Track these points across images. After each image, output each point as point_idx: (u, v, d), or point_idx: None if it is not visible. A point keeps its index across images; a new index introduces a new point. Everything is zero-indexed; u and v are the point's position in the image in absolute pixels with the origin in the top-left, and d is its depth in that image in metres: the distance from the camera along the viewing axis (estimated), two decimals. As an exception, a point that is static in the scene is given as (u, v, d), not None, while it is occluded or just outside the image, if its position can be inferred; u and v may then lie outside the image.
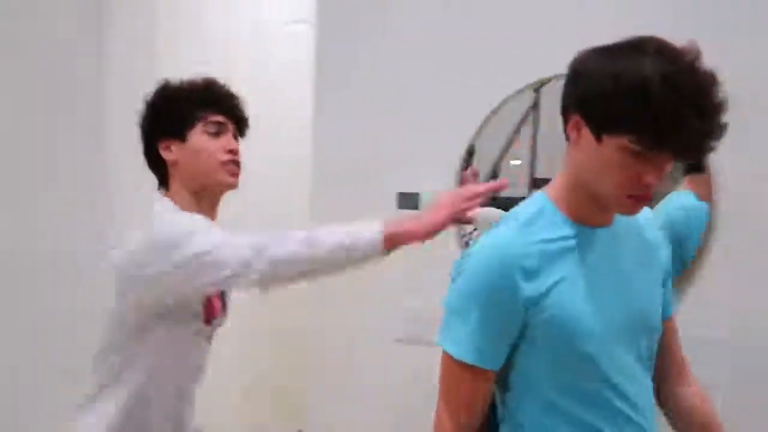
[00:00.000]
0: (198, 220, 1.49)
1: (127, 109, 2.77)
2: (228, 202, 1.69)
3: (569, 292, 1.22)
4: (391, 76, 2.29)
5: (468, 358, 1.26)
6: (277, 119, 3.42)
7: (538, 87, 2.34)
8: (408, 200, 2.44)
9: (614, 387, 1.25)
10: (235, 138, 1.62)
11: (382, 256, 1.38)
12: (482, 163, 2.44)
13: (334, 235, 1.37)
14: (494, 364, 1.28)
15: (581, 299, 1.22)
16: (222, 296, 1.69)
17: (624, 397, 1.26)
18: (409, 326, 2.40)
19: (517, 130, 2.43)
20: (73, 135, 2.68)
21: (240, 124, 1.64)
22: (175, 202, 1.56)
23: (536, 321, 1.22)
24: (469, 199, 1.38)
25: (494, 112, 2.37)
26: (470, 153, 2.40)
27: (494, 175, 2.47)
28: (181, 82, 1.62)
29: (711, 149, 1.12)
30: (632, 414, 1.27)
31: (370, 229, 1.36)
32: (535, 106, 2.39)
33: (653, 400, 1.36)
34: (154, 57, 2.92)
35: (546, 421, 1.27)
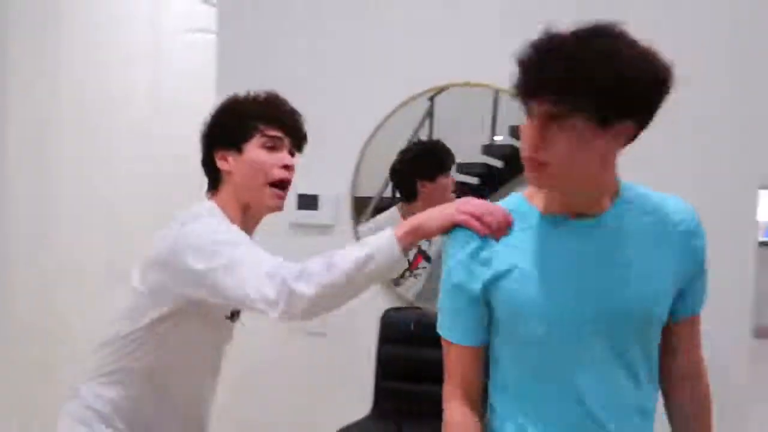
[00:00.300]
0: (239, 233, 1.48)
1: (25, 119, 2.74)
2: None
3: (523, 278, 1.22)
4: (290, 82, 2.30)
5: (450, 338, 1.32)
6: (177, 125, 3.39)
7: (432, 96, 2.42)
8: (307, 201, 2.50)
9: (572, 383, 1.23)
10: (291, 154, 1.59)
11: (402, 258, 1.32)
12: (382, 165, 2.49)
13: (350, 251, 1.32)
14: (471, 341, 1.30)
15: (534, 285, 1.21)
16: None
17: (583, 394, 1.22)
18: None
19: (414, 135, 2.49)
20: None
21: (297, 140, 1.60)
22: (220, 206, 1.54)
23: (495, 303, 1.26)
24: (482, 211, 1.27)
25: (388, 117, 2.44)
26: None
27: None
28: (246, 96, 1.60)
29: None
30: (588, 417, 1.23)
31: (384, 237, 1.31)
32: (431, 113, 2.46)
33: (629, 400, 1.25)
34: (56, 70, 2.87)
35: (509, 407, 1.30)
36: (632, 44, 1.08)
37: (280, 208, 1.59)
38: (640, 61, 1.06)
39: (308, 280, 1.29)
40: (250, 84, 2.10)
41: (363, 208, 2.51)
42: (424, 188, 2.43)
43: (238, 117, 1.56)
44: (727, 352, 2.11)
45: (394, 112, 2.44)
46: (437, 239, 2.35)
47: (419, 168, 2.44)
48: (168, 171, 3.49)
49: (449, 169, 2.40)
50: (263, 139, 1.54)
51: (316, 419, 2.30)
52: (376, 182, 2.52)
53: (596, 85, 1.03)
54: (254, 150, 1.53)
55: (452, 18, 2.37)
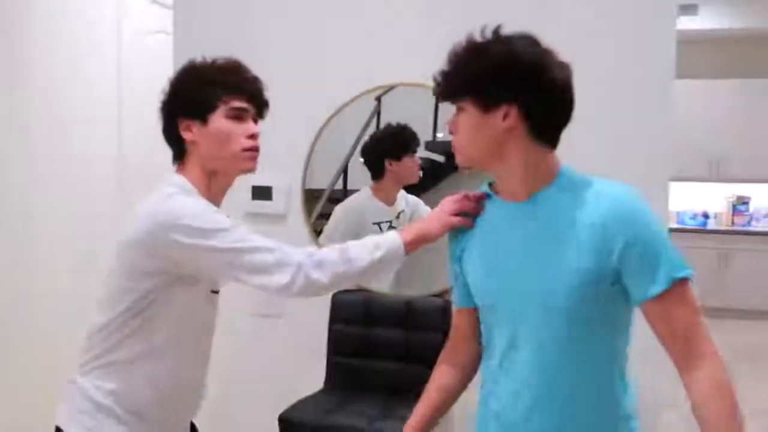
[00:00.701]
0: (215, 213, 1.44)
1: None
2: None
3: (475, 253, 1.36)
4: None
5: (452, 300, 1.49)
6: (138, 118, 3.43)
7: (379, 96, 2.48)
8: (261, 192, 2.54)
9: (510, 359, 1.30)
10: (255, 121, 1.52)
11: (403, 260, 1.46)
12: (332, 159, 2.55)
13: (366, 249, 1.42)
14: (464, 303, 1.43)
15: (474, 263, 1.36)
16: None
17: (516, 372, 1.29)
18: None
19: (362, 133, 2.55)
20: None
21: (260, 109, 1.53)
22: (189, 180, 1.47)
23: (464, 273, 1.40)
24: (459, 200, 1.41)
25: (337, 113, 2.48)
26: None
27: (345, 170, 2.60)
28: (206, 64, 1.51)
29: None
30: (512, 381, 1.30)
31: (393, 241, 1.42)
32: (378, 113, 2.52)
33: (560, 381, 1.27)
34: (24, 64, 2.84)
35: (484, 374, 1.39)
36: (506, 43, 1.22)
37: (254, 170, 1.53)
38: (506, 56, 1.21)
39: (325, 269, 1.39)
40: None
41: (315, 200, 2.56)
42: (391, 166, 2.53)
43: (201, 86, 1.47)
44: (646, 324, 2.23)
45: (341, 109, 2.48)
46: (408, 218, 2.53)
47: (386, 148, 2.53)
48: (133, 161, 3.50)
49: (414, 150, 2.49)
50: (229, 110, 1.45)
51: (274, 393, 2.35)
52: (328, 175, 2.57)
53: (468, 76, 1.23)
54: (219, 120, 1.45)
55: (402, 22, 2.43)
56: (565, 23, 2.27)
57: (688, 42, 3.83)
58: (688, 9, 5.75)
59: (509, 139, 1.23)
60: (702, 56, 6.73)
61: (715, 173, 7.17)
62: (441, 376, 1.46)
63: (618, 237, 1.18)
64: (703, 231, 7.18)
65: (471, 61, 1.23)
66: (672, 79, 2.23)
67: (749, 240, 7.03)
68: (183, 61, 1.53)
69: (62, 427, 1.46)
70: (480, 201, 1.38)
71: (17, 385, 2.84)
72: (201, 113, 1.45)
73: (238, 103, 1.47)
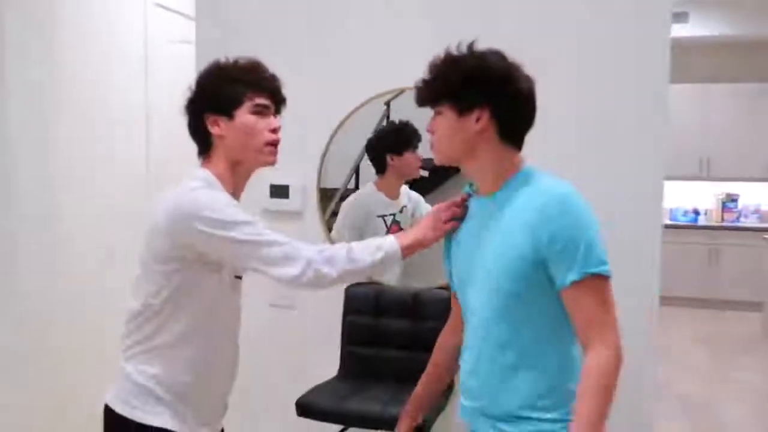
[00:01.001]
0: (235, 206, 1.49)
1: (27, 117, 2.76)
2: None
3: (456, 243, 1.50)
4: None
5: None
6: (162, 121, 3.54)
7: (388, 101, 2.50)
8: (279, 190, 2.58)
9: (471, 332, 1.45)
10: (274, 116, 1.57)
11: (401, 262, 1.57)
12: (345, 160, 2.58)
13: (368, 250, 1.50)
14: (454, 288, 1.56)
15: (457, 249, 1.50)
16: None
17: (474, 340, 1.44)
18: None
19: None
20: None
21: (279, 105, 1.58)
22: (213, 173, 1.52)
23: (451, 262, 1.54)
24: (449, 207, 1.53)
25: (348, 116, 2.51)
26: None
27: (356, 170, 2.62)
28: (229, 63, 1.55)
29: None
30: (467, 352, 1.46)
31: (392, 245, 1.50)
32: (387, 116, 2.55)
33: (480, 351, 1.41)
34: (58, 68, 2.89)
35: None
36: (479, 57, 1.36)
37: (275, 163, 1.58)
38: (479, 67, 1.34)
39: (334, 265, 1.46)
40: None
41: (329, 199, 2.59)
42: (393, 161, 2.55)
43: (227, 84, 1.51)
44: (642, 315, 2.26)
45: (352, 113, 2.50)
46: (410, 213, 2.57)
47: (388, 143, 2.55)
48: (159, 161, 3.55)
49: (415, 146, 2.49)
50: (253, 106, 1.50)
51: (291, 379, 2.39)
52: (341, 175, 2.60)
53: (446, 84, 1.36)
54: (245, 115, 1.50)
55: (411, 30, 2.45)
56: (565, 32, 2.32)
57: (679, 48, 3.85)
58: (680, 17, 5.76)
59: (481, 140, 1.36)
60: (693, 62, 6.79)
61: (706, 172, 7.19)
62: (440, 343, 1.65)
63: (544, 233, 1.29)
64: (694, 227, 7.20)
65: (449, 71, 1.36)
66: (666, 83, 2.25)
67: (738, 235, 7.05)
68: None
69: (110, 405, 1.52)
70: (465, 203, 1.50)
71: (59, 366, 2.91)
72: (227, 109, 1.50)
73: (261, 100, 1.52)
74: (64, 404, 2.92)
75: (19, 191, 2.75)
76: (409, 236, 1.53)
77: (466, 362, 1.46)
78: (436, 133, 1.41)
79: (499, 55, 1.37)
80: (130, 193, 3.41)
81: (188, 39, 2.82)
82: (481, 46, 1.38)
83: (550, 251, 1.29)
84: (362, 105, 2.51)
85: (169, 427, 1.48)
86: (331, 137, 2.54)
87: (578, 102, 2.31)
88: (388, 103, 2.52)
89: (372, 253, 1.49)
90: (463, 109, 1.35)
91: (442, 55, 1.38)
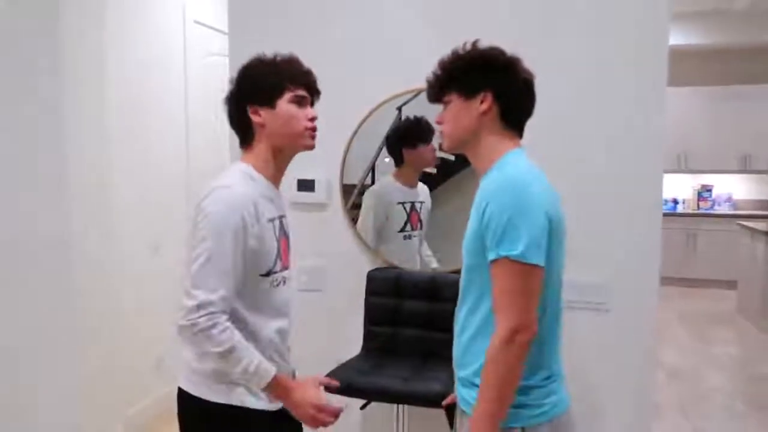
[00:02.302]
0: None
1: (83, 118, 2.66)
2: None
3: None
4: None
5: None
6: (199, 127, 3.42)
7: (400, 106, 2.36)
8: (305, 184, 2.44)
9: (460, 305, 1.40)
10: (311, 107, 1.49)
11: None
12: (363, 159, 2.45)
13: (243, 365, 1.32)
14: None
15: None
16: (289, 244, 1.55)
17: (457, 314, 1.39)
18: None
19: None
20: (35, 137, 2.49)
21: (314, 96, 1.50)
22: (255, 159, 1.44)
23: None
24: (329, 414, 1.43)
25: (365, 120, 2.38)
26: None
27: (373, 167, 2.48)
28: (270, 58, 1.47)
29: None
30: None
31: (267, 374, 1.34)
32: (399, 119, 2.41)
33: (459, 321, 1.37)
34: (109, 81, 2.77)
35: None
36: (482, 50, 1.34)
37: (313, 147, 1.49)
38: (483, 56, 1.33)
39: (204, 342, 1.29)
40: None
41: (349, 193, 2.47)
42: (408, 154, 2.42)
43: (268, 76, 1.43)
44: (643, 294, 2.15)
45: (368, 117, 2.38)
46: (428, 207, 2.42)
47: (403, 138, 2.41)
48: (198, 163, 3.44)
49: (427, 140, 2.36)
50: (293, 96, 1.43)
51: (317, 358, 2.26)
52: (359, 172, 2.46)
53: (453, 73, 1.35)
54: (286, 105, 1.42)
55: (425, 35, 2.29)
56: (573, 38, 2.17)
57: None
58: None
59: (485, 122, 1.32)
60: (670, 67, 6.56)
61: (683, 165, 7.06)
62: None
63: (486, 213, 1.22)
64: (673, 214, 7.06)
65: (455, 63, 1.35)
66: (664, 85, 2.11)
67: (712, 221, 6.93)
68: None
69: (181, 386, 1.44)
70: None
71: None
72: (269, 99, 1.42)
73: (299, 91, 1.44)
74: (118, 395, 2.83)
75: (74, 193, 2.64)
76: (285, 387, 1.39)
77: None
78: (445, 120, 1.38)
79: (498, 50, 1.35)
80: (171, 192, 3.32)
81: (223, 52, 2.70)
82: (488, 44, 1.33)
83: (486, 228, 1.23)
84: (377, 107, 2.38)
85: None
86: (352, 136, 2.41)
87: (589, 104, 2.17)
88: (399, 108, 2.39)
89: (246, 368, 1.31)
90: (468, 92, 1.32)
91: (449, 53, 1.37)
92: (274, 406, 1.43)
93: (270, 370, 1.35)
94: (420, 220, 2.45)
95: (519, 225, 1.18)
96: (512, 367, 1.19)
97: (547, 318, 1.28)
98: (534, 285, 1.20)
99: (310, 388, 1.43)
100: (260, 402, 1.40)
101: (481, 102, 1.30)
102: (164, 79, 3.28)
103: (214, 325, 1.27)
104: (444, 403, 1.64)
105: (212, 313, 1.27)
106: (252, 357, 1.32)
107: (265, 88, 1.42)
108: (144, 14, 3.14)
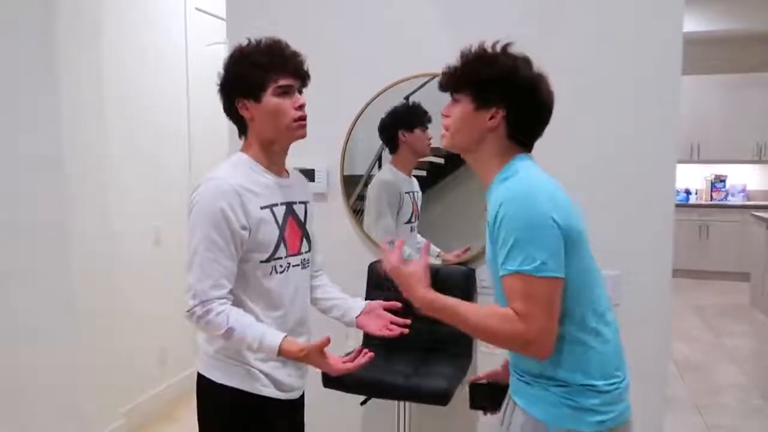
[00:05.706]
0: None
1: (80, 120, 2.61)
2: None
3: None
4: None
5: None
6: (201, 115, 3.39)
7: (408, 95, 2.29)
8: (305, 174, 2.32)
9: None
10: (300, 92, 1.44)
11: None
12: (365, 148, 2.37)
13: (247, 337, 1.36)
14: None
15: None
16: (302, 229, 1.52)
17: None
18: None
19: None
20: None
21: (303, 81, 1.44)
22: (250, 151, 1.44)
23: None
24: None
25: (368, 105, 2.31)
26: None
27: (379, 158, 2.41)
28: (252, 47, 1.41)
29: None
30: None
31: (274, 341, 1.37)
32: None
33: None
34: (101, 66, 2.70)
35: None
36: (511, 59, 1.23)
37: (304, 136, 1.44)
38: (509, 69, 1.22)
39: (206, 328, 1.35)
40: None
41: (354, 184, 2.40)
42: (404, 138, 2.32)
43: (249, 69, 1.38)
44: (659, 284, 2.11)
45: (370, 102, 2.31)
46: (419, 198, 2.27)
47: (400, 119, 2.31)
48: (200, 151, 3.37)
49: (425, 124, 2.27)
50: (277, 88, 1.37)
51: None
52: (365, 162, 2.40)
53: (473, 75, 1.24)
54: (271, 98, 1.37)
55: (435, 17, 2.20)
56: (584, 29, 2.09)
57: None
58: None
59: (489, 136, 1.25)
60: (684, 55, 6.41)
61: (696, 155, 6.92)
62: None
63: (496, 225, 1.18)
64: (686, 205, 6.92)
65: (479, 65, 1.24)
66: (679, 73, 2.03)
67: (725, 212, 6.78)
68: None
69: (199, 370, 1.47)
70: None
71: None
72: (254, 93, 1.38)
73: (284, 81, 1.38)
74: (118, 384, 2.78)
75: (72, 185, 2.59)
76: (296, 350, 1.40)
77: None
78: (450, 118, 1.28)
79: (529, 64, 1.26)
80: (172, 183, 3.28)
81: (223, 40, 2.63)
82: (499, 35, 1.24)
83: (498, 242, 1.18)
84: (379, 94, 2.30)
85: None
86: (353, 125, 2.34)
87: (603, 95, 2.11)
88: (407, 98, 2.30)
89: (251, 341, 1.35)
90: (481, 103, 1.23)
91: (475, 46, 1.26)
92: (289, 395, 1.49)
93: (274, 344, 1.36)
94: (418, 210, 2.38)
95: (523, 241, 1.13)
96: (494, 340, 1.20)
97: (611, 318, 1.25)
98: (553, 296, 1.14)
99: (314, 358, 1.42)
100: (273, 391, 1.45)
101: (491, 117, 1.23)
102: (164, 65, 3.23)
103: (207, 312, 1.32)
104: (470, 381, 1.57)
105: (204, 301, 1.32)
106: (255, 333, 1.35)
107: (248, 83, 1.38)
108: None
